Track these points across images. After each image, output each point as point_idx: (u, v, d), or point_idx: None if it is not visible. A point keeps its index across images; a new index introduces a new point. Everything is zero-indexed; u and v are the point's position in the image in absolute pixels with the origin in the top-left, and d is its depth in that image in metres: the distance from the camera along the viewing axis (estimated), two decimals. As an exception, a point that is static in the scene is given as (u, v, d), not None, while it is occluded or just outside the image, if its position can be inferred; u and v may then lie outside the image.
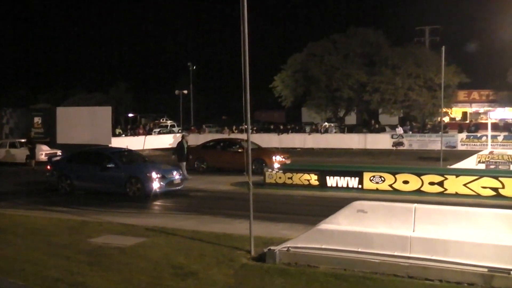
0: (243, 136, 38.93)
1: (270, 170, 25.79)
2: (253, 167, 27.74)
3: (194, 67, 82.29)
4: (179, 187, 24.32)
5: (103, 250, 13.58)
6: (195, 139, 49.36)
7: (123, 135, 58.29)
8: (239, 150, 32.00)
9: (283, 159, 31.53)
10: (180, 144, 30.20)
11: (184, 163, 29.11)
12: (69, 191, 24.54)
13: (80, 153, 26.95)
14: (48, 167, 26.31)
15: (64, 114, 44.89)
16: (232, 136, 53.62)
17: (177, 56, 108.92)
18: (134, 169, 24.14)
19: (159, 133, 68.18)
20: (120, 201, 22.22)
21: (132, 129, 67.90)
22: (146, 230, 15.75)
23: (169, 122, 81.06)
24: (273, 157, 31.25)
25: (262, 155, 31.60)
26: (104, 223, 17.25)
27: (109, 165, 24.02)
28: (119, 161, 24.43)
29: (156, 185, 23.07)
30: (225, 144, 34.76)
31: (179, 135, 56.36)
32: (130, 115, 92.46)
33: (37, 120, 46.05)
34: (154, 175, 23.22)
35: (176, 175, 24.28)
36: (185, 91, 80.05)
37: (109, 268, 11.88)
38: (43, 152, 38.69)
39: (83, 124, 39.66)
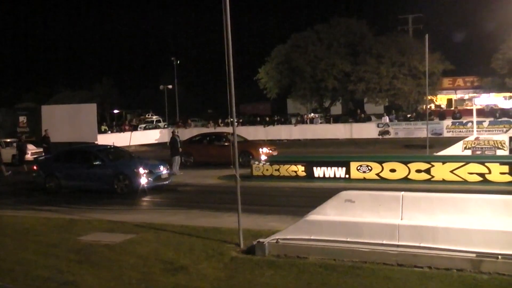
0: (229, 129, 38.89)
1: (257, 162, 25.80)
2: (240, 160, 27.83)
3: (178, 62, 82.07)
4: (167, 182, 24.27)
5: (93, 247, 13.56)
6: (181, 134, 49.27)
7: (109, 132, 58.18)
8: (226, 144, 31.99)
9: (270, 151, 31.62)
10: (173, 139, 30.29)
11: (177, 157, 29.18)
12: (56, 190, 24.37)
13: (66, 152, 26.84)
14: (35, 167, 26.16)
15: (49, 112, 44.64)
16: (218, 129, 53.60)
17: (161, 51, 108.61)
18: (121, 166, 24.05)
19: (145, 128, 68.04)
20: (108, 198, 22.19)
21: (117, 125, 67.81)
22: (135, 227, 15.74)
23: (154, 118, 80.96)
24: (260, 150, 31.34)
25: (248, 148, 31.71)
26: (92, 220, 17.20)
27: (96, 163, 23.95)
28: (106, 158, 24.38)
29: (143, 180, 23.04)
30: (212, 138, 34.73)
31: (165, 131, 56.58)
32: (115, 111, 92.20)
33: (22, 119, 45.85)
34: (141, 170, 23.21)
35: (163, 170, 24.25)
36: (170, 86, 79.88)
37: (99, 266, 11.87)
38: (29, 151, 38.52)
39: (69, 122, 39.45)
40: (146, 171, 23.33)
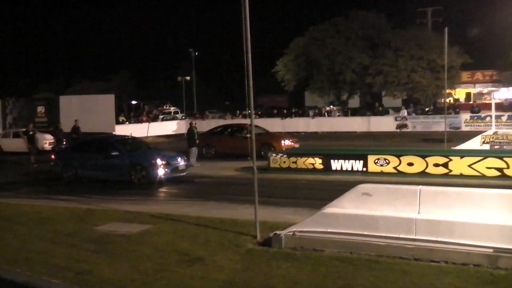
0: (247, 121, 38.97)
1: (274, 154, 25.75)
2: (262, 152, 27.86)
3: (196, 53, 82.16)
4: (184, 173, 24.25)
5: (109, 237, 13.61)
6: (199, 125, 49.38)
7: (127, 123, 58.37)
8: (247, 136, 31.84)
9: (292, 143, 31.49)
10: (190, 130, 30.33)
11: (194, 149, 29.20)
12: (73, 180, 24.47)
13: (84, 142, 27.06)
14: (52, 156, 26.22)
15: (67, 102, 44.94)
16: (236, 121, 53.62)
17: (179, 42, 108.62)
18: (138, 156, 24.04)
19: (163, 120, 68.19)
20: (124, 188, 22.26)
21: (135, 116, 67.96)
22: (151, 217, 15.78)
23: (172, 109, 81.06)
24: (282, 142, 31.30)
25: (270, 140, 31.69)
26: (109, 210, 17.28)
27: (113, 153, 23.93)
28: (123, 148, 24.40)
29: (161, 171, 23.04)
30: (233, 129, 34.61)
31: (182, 122, 56.65)
32: (133, 102, 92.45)
33: (40, 109, 46.10)
34: (158, 161, 23.21)
35: (180, 161, 24.23)
36: (188, 78, 79.98)
37: (115, 256, 11.91)
38: (46, 141, 38.74)
39: (87, 112, 39.62)
40: (163, 162, 23.32)
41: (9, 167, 32.50)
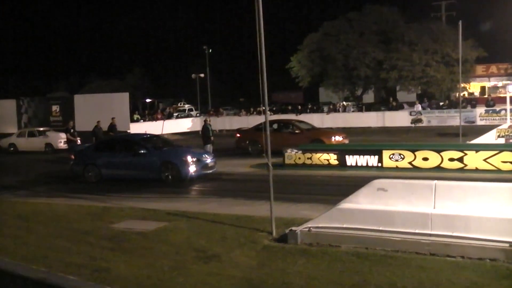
0: (262, 118, 38.87)
1: (289, 150, 25.71)
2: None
3: (210, 50, 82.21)
4: (212, 170, 23.99)
5: (126, 235, 13.67)
6: (214, 123, 49.45)
7: (141, 121, 58.50)
8: (296, 131, 31.76)
9: (342, 139, 30.97)
10: (204, 127, 30.31)
11: (209, 146, 29.17)
12: (97, 180, 24.17)
13: (107, 141, 26.86)
14: (72, 156, 25.92)
15: (82, 101, 45.17)
16: (251, 118, 53.71)
17: (193, 39, 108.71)
18: (168, 154, 23.73)
19: (177, 117, 68.30)
20: (140, 186, 22.27)
21: (150, 114, 68.10)
22: (167, 215, 15.83)
23: (187, 106, 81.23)
24: (332, 137, 30.86)
25: (321, 136, 31.26)
26: (125, 208, 17.35)
27: (141, 151, 23.67)
28: (151, 146, 24.09)
29: (192, 169, 22.81)
30: (280, 125, 33.97)
31: (197, 119, 56.76)
32: (148, 100, 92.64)
33: (55, 108, 46.36)
34: (189, 159, 22.97)
35: (208, 158, 24.02)
36: (202, 75, 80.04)
37: (132, 253, 11.97)
38: (62, 140, 38.92)
39: (101, 111, 39.66)
40: (194, 159, 23.09)
41: (26, 166, 32.60)
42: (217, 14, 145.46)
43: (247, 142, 31.89)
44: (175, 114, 72.13)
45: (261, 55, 12.79)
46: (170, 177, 22.83)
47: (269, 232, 12.73)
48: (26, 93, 61.45)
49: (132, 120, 50.47)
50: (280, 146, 29.07)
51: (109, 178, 23.99)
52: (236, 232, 13.19)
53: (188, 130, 55.35)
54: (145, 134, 29.67)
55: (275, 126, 33.71)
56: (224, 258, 11.23)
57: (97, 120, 33.98)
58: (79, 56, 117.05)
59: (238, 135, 33.32)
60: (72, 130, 34.34)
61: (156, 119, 58.82)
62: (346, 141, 31.00)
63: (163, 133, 48.34)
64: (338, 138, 30.76)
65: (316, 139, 30.27)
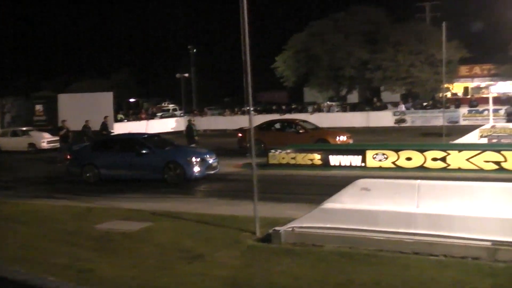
0: (246, 118, 38.87)
1: (273, 150, 25.72)
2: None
3: (195, 50, 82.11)
4: (216, 170, 23.62)
5: (110, 235, 13.64)
6: (198, 123, 49.39)
7: (125, 120, 58.36)
8: (300, 131, 31.56)
9: (347, 139, 30.70)
10: (188, 127, 30.24)
11: (193, 146, 29.07)
12: (95, 180, 23.56)
13: (106, 141, 26.44)
14: (68, 156, 25.29)
15: (66, 101, 45.03)
16: (236, 118, 53.69)
17: (178, 39, 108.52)
18: (172, 154, 23.36)
19: (161, 117, 68.18)
20: (124, 186, 22.20)
21: (134, 114, 67.96)
22: (152, 215, 15.81)
23: (171, 106, 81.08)
24: (337, 137, 30.59)
25: (325, 136, 31.01)
26: (109, 209, 17.30)
27: (144, 151, 23.11)
28: (154, 146, 23.62)
29: (196, 169, 22.43)
30: (283, 125, 33.90)
31: (181, 119, 56.67)
32: (132, 100, 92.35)
33: (39, 107, 46.22)
34: (194, 159, 22.63)
35: (211, 158, 23.51)
36: (186, 74, 79.97)
37: (116, 254, 11.96)
38: (45, 140, 38.79)
39: (85, 110, 39.49)
40: (198, 159, 22.75)
41: (9, 166, 32.43)
42: (202, 14, 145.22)
43: (250, 141, 31.13)
44: (159, 114, 71.99)
45: (245, 55, 12.82)
46: (174, 177, 22.44)
47: (253, 232, 12.75)
48: (11, 93, 61.21)
49: (116, 120, 50.31)
50: (284, 145, 28.67)
51: (108, 179, 23.45)
52: (221, 232, 13.20)
53: (172, 130, 55.20)
54: (146, 133, 29.44)
55: (277, 125, 33.77)
56: (209, 258, 11.23)
57: (86, 119, 33.58)
58: (64, 56, 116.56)
59: (240, 134, 32.83)
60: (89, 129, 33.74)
61: (140, 119, 58.75)
62: (351, 141, 30.74)
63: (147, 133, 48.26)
64: (342, 138, 30.51)
65: (321, 139, 30.12)
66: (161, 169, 22.53)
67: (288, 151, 25.37)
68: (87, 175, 23.83)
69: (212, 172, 23.33)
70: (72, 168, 24.72)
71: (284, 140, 29.95)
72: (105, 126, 34.10)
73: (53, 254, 12.06)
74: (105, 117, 34.47)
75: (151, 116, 64.01)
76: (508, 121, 32.10)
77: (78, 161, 24.48)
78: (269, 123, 34.71)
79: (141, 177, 22.98)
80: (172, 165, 22.59)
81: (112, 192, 20.91)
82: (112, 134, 33.52)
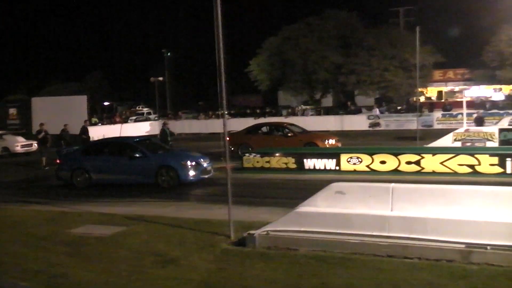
0: (219, 122, 38.77)
1: (247, 154, 25.70)
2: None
3: (169, 54, 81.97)
4: (210, 175, 23.11)
5: (83, 240, 13.54)
6: (173, 126, 49.22)
7: (99, 124, 58.11)
8: (289, 135, 31.28)
9: (335, 142, 30.43)
10: (162, 130, 30.10)
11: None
12: (86, 185, 23.00)
13: (97, 144, 25.92)
14: (58, 160, 24.55)
15: (39, 104, 44.81)
16: (210, 121, 53.59)
17: (152, 43, 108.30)
18: (166, 158, 22.97)
19: (136, 121, 67.97)
20: (98, 190, 22.06)
21: (108, 117, 67.67)
22: (125, 219, 15.71)
23: (145, 110, 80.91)
24: (326, 141, 30.25)
25: (314, 139, 30.62)
26: (83, 213, 17.16)
27: (137, 155, 22.64)
28: (147, 150, 23.06)
29: (192, 173, 22.08)
30: (271, 128, 33.56)
31: (155, 123, 56.50)
32: (106, 103, 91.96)
33: (13, 111, 45.95)
34: (188, 163, 22.24)
35: (205, 162, 23.00)
36: (161, 78, 79.81)
37: (89, 258, 11.86)
38: (18, 143, 38.47)
39: (59, 114, 39.29)
40: (193, 163, 22.33)
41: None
42: (176, 18, 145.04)
43: (237, 145, 30.82)
44: (133, 118, 71.75)
45: (219, 59, 12.79)
46: (168, 181, 22.03)
47: (228, 236, 12.72)
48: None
49: (91, 124, 50.04)
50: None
51: (100, 183, 22.96)
52: (195, 236, 13.15)
53: (147, 134, 54.92)
54: (137, 137, 29.14)
55: (264, 129, 33.48)
56: (183, 262, 11.18)
57: (64, 123, 33.13)
58: (38, 59, 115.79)
59: (227, 138, 32.37)
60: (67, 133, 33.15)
61: (114, 122, 58.47)
62: (339, 144, 30.56)
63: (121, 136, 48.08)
64: (331, 141, 30.29)
65: (310, 143, 29.86)
66: (154, 173, 22.14)
67: (257, 155, 25.36)
68: (78, 179, 23.31)
69: (206, 176, 22.86)
70: (62, 172, 24.09)
71: (272, 144, 30.01)
72: (84, 130, 33.85)
73: (25, 259, 11.93)
74: (85, 121, 34.36)
75: (125, 120, 63.69)
76: (476, 126, 32.33)
77: (68, 166, 23.83)
78: (257, 126, 34.62)
79: (134, 181, 22.59)
80: (165, 169, 22.18)
81: (87, 197, 20.78)
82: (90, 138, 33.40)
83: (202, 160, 23.03)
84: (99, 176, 23.07)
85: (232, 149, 29.17)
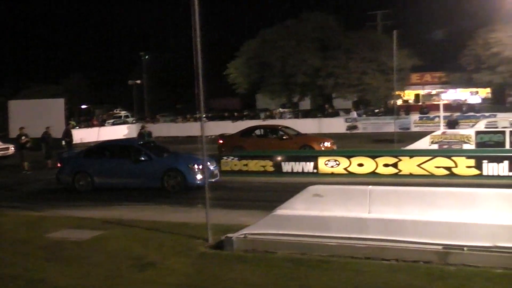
0: (197, 125, 38.70)
1: (225, 157, 25.67)
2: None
3: (147, 57, 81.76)
4: (217, 178, 22.34)
5: (61, 244, 13.45)
6: (150, 129, 49.10)
7: (77, 127, 57.80)
8: (284, 137, 30.86)
9: (331, 145, 30.25)
10: (140, 134, 29.95)
11: None
12: (89, 189, 22.26)
13: (100, 147, 24.93)
14: (59, 164, 23.78)
15: (16, 107, 44.53)
16: (188, 124, 53.51)
17: (130, 45, 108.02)
18: (172, 161, 22.11)
19: (113, 124, 67.72)
20: (75, 194, 21.92)
21: (85, 120, 67.37)
22: (103, 223, 15.64)
23: (123, 113, 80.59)
24: (322, 144, 30.07)
25: (310, 142, 30.43)
26: (61, 217, 17.05)
27: (142, 158, 21.97)
28: (152, 153, 22.30)
29: (199, 176, 21.15)
30: (266, 131, 33.05)
31: (133, 126, 56.35)
32: (84, 106, 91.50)
33: (-12, 114, 45.61)
34: (196, 166, 21.36)
35: (212, 166, 22.15)
36: (139, 81, 79.58)
37: (67, 263, 11.79)
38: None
39: (37, 117, 39.04)
40: (200, 166, 21.13)
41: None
42: (154, 20, 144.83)
43: (231, 148, 30.32)
44: (111, 121, 71.47)
45: (197, 62, 12.79)
46: (174, 185, 21.31)
47: (206, 239, 12.71)
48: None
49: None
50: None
51: (103, 187, 22.27)
52: (173, 240, 13.13)
53: (124, 137, 54.82)
54: (141, 139, 28.77)
55: (257, 132, 33.00)
56: (160, 266, 11.16)
57: (46, 126, 32.59)
58: (16, 61, 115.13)
59: (221, 141, 32.04)
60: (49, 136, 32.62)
61: (92, 126, 58.23)
62: (334, 147, 30.44)
63: (98, 139, 47.92)
64: (327, 144, 30.13)
65: (305, 145, 29.64)
66: (159, 177, 21.48)
67: (235, 158, 25.37)
68: (80, 183, 22.53)
69: (214, 180, 21.60)
70: (63, 176, 23.27)
71: (267, 147, 29.66)
72: (68, 133, 33.63)
73: (3, 265, 11.85)
74: (68, 124, 34.19)
75: (102, 123, 63.46)
76: (450, 129, 32.58)
77: (69, 169, 23.04)
78: (251, 129, 34.01)
79: (139, 185, 21.86)
80: (172, 172, 21.42)
81: (66, 201, 20.64)
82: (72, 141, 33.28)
83: (209, 163, 21.69)
84: (102, 180, 22.37)
85: (227, 151, 28.95)
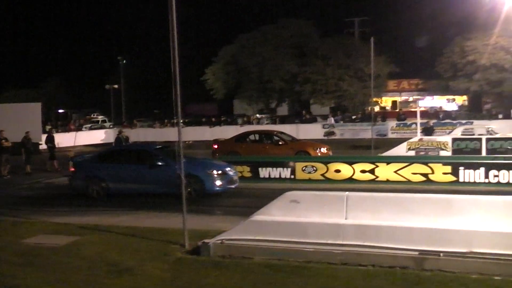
0: (175, 130, 38.54)
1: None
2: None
3: (124, 61, 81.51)
4: (236, 184, 21.71)
5: (37, 250, 13.34)
6: (127, 135, 48.87)
7: (54, 132, 57.44)
8: (280, 143, 30.64)
9: (327, 151, 30.09)
10: (116, 138, 29.79)
11: None
12: (103, 195, 21.44)
13: (114, 152, 24.38)
14: (72, 168, 22.83)
15: (-9, 111, 44.05)
16: (166, 130, 53.37)
17: (107, 49, 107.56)
18: (190, 167, 19.93)
19: (91, 128, 67.43)
20: (51, 199, 21.77)
21: (62, 125, 66.97)
22: (79, 228, 15.54)
23: (100, 118, 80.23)
24: (318, 149, 29.89)
25: (306, 147, 30.21)
26: (36, 222, 16.90)
27: (159, 163, 21.08)
28: (169, 158, 20.97)
29: (218, 183, 20.68)
30: (261, 136, 32.65)
31: (111, 131, 56.13)
32: (61, 111, 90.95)
33: (-37, 119, 45.06)
34: (215, 172, 20.84)
35: (231, 171, 21.67)
36: (116, 86, 79.29)
37: (43, 269, 11.70)
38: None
39: (12, 121, 38.63)
40: (219, 172, 20.92)
41: None
42: (131, 25, 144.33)
43: (226, 153, 29.93)
44: (88, 126, 71.15)
45: (174, 67, 12.78)
46: (191, 192, 19.91)
47: (182, 244, 12.68)
48: None
49: (44, 131, 49.45)
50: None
51: (118, 193, 21.48)
52: (149, 245, 13.08)
53: (102, 142, 54.55)
54: (156, 143, 28.29)
55: (252, 137, 32.75)
56: (137, 271, 11.12)
57: (26, 131, 32.06)
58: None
59: (215, 146, 31.83)
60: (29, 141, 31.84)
61: (69, 130, 57.91)
62: (330, 153, 30.23)
63: (75, 144, 47.67)
64: (323, 150, 29.98)
65: (301, 151, 29.47)
66: (177, 183, 20.63)
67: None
68: (94, 188, 21.68)
69: (233, 186, 21.43)
70: (76, 181, 22.38)
71: (262, 152, 29.53)
72: (50, 138, 33.33)
73: (-23, 271, 11.75)
74: (50, 129, 33.82)
75: (79, 128, 63.15)
76: (426, 135, 32.78)
77: (83, 174, 22.21)
78: (246, 134, 33.73)
79: (156, 191, 20.95)
80: (190, 178, 19.52)
81: (41, 206, 20.46)
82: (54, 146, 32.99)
83: (228, 169, 21.58)
84: (118, 185, 21.47)
85: (220, 156, 28.62)
